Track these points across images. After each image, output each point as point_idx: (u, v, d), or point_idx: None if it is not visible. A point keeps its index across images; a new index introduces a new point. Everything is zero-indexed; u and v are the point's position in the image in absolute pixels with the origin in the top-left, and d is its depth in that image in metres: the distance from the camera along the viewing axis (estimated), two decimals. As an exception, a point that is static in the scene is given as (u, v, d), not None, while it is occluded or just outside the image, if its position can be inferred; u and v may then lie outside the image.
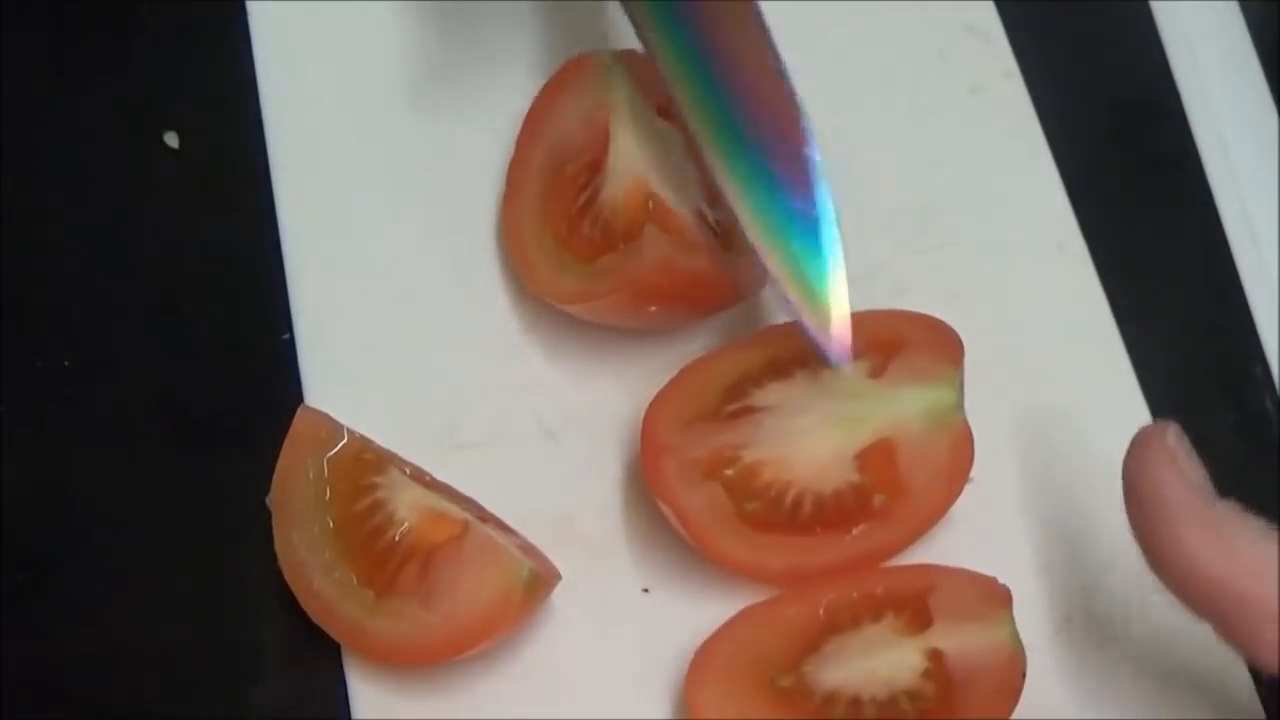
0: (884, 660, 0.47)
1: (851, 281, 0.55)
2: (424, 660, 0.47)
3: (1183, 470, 0.42)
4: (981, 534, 0.51)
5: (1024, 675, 0.47)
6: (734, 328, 0.53)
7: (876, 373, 0.50)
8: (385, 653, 0.47)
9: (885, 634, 0.47)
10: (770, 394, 0.50)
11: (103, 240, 0.53)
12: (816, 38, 0.59)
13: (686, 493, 0.48)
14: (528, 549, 0.48)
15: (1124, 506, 0.43)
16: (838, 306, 0.48)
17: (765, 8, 0.59)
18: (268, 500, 0.48)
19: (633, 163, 0.52)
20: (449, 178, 0.55)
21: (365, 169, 0.55)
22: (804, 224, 0.48)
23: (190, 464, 0.51)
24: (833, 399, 0.50)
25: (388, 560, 0.47)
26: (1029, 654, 0.47)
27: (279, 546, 0.48)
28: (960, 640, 0.47)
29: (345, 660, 0.48)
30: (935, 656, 0.47)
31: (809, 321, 0.48)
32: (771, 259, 0.48)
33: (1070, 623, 0.51)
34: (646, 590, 0.50)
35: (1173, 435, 0.43)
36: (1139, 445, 0.43)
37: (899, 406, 0.49)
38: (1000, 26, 0.60)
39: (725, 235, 0.52)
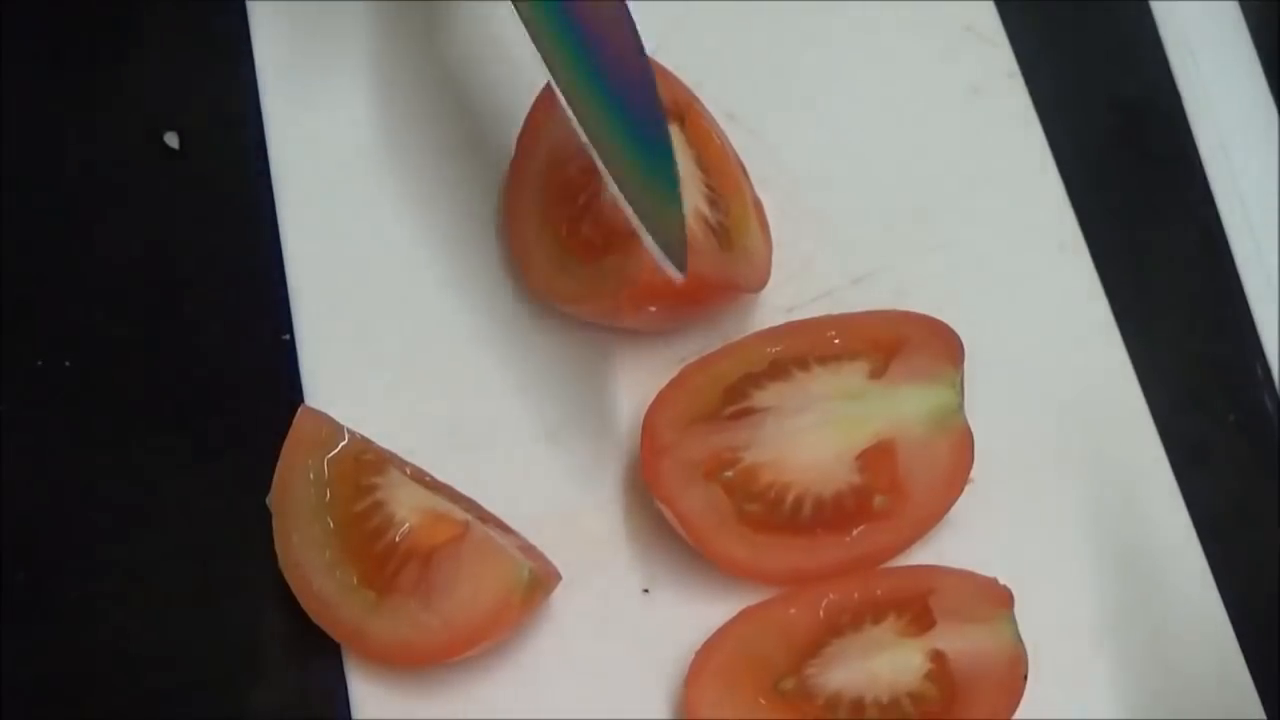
0: (886, 662, 0.47)
1: (852, 282, 0.55)
2: (424, 660, 0.47)
3: None
4: (982, 535, 0.51)
5: (1026, 676, 0.47)
6: (734, 328, 0.53)
7: (877, 374, 0.50)
8: (385, 653, 0.47)
9: (887, 635, 0.47)
10: (770, 395, 0.50)
11: (103, 240, 0.53)
12: (817, 37, 0.59)
13: (686, 493, 0.48)
14: (528, 549, 0.48)
15: None
16: (679, 226, 0.47)
17: (764, 8, 0.59)
18: (268, 501, 0.48)
19: (633, 163, 0.52)
20: (449, 178, 0.55)
21: (365, 169, 0.55)
22: (651, 148, 0.48)
23: (190, 464, 0.51)
24: (833, 400, 0.50)
25: (388, 561, 0.47)
26: (1030, 654, 0.47)
27: (279, 546, 0.48)
28: (962, 641, 0.47)
29: (345, 660, 0.48)
30: (937, 657, 0.47)
31: (653, 240, 0.47)
32: (623, 180, 0.47)
33: (1071, 623, 0.51)
34: (646, 590, 0.50)
35: None
36: None
37: (899, 407, 0.49)
38: (1000, 26, 0.60)
39: (725, 235, 0.52)
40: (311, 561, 0.47)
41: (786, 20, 0.59)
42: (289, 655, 0.48)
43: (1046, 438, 0.53)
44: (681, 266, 0.47)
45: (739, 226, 0.53)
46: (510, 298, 0.53)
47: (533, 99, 0.54)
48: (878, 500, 0.49)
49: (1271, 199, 0.59)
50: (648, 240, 0.47)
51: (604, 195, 0.51)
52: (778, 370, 0.50)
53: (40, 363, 0.51)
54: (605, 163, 0.47)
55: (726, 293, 0.52)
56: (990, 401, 0.52)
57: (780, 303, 0.54)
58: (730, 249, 0.52)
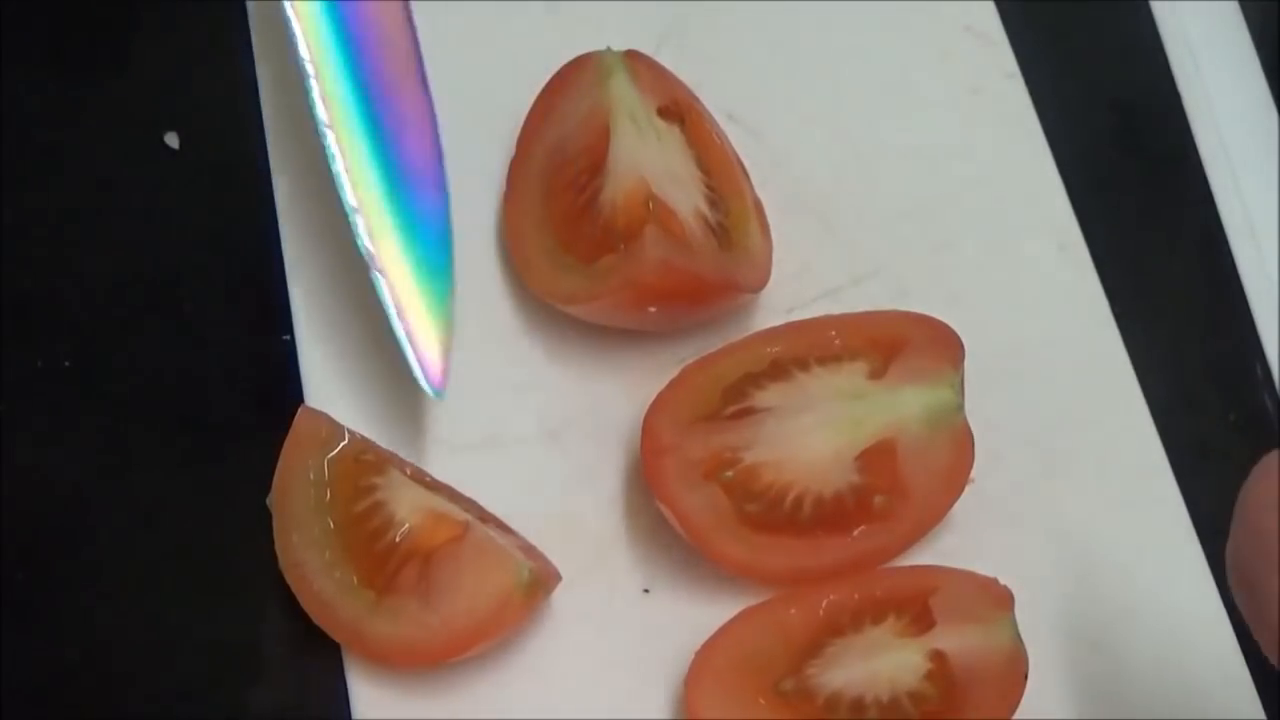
0: (886, 662, 0.47)
1: (852, 282, 0.55)
2: (424, 660, 0.47)
3: None
4: (982, 534, 0.51)
5: (1026, 676, 0.47)
6: (734, 328, 0.53)
7: (877, 374, 0.50)
8: (385, 653, 0.47)
9: (887, 636, 0.47)
10: (771, 395, 0.50)
11: (103, 240, 0.53)
12: (816, 38, 0.59)
13: (686, 494, 0.48)
14: (528, 549, 0.48)
15: (1232, 535, 0.38)
16: (446, 335, 0.49)
17: (764, 8, 0.59)
18: (268, 501, 0.48)
19: (633, 163, 0.52)
20: (449, 178, 0.55)
21: (365, 169, 0.55)
22: (430, 251, 0.49)
23: (190, 464, 0.51)
24: (833, 400, 0.50)
25: (388, 561, 0.47)
26: (1030, 654, 0.47)
27: (279, 547, 0.48)
28: (962, 641, 0.47)
29: (345, 660, 0.48)
30: (937, 658, 0.47)
31: (419, 347, 0.49)
32: (397, 281, 0.49)
33: (1070, 623, 0.51)
34: (647, 590, 0.50)
35: None
36: (1266, 476, 0.38)
37: (899, 407, 0.49)
38: (1000, 26, 0.60)
39: (725, 235, 0.52)
40: (311, 561, 0.47)
41: (786, 20, 0.59)
42: (289, 655, 0.48)
43: (1046, 438, 0.53)
44: (437, 379, 0.48)
45: (739, 226, 0.53)
46: (510, 298, 0.53)
47: (533, 99, 0.54)
48: (878, 500, 0.49)
49: (1271, 199, 0.59)
50: (402, 340, 0.48)
51: (603, 195, 0.52)
52: (778, 370, 0.50)
53: (40, 363, 0.51)
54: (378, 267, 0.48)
55: (726, 293, 0.52)
56: (990, 401, 0.52)
57: (780, 303, 0.54)
58: (730, 249, 0.52)
